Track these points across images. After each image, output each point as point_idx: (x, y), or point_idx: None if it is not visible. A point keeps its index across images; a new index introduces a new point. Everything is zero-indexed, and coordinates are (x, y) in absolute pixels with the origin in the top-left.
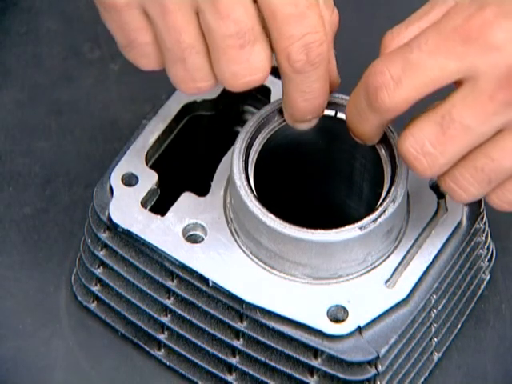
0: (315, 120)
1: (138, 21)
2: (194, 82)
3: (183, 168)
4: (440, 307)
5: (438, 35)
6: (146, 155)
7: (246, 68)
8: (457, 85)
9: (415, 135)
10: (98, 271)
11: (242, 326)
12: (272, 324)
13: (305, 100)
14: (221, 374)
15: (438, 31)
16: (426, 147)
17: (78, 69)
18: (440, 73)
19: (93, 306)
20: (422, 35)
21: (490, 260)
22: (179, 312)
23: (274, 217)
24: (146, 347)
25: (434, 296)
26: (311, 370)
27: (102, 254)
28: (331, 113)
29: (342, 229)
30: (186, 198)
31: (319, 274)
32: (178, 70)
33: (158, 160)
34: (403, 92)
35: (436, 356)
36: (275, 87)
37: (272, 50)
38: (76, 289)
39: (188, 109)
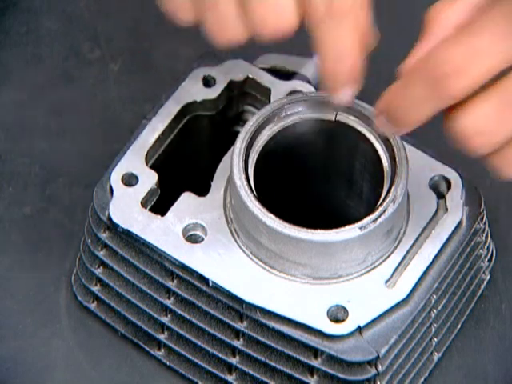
0: (350, 90)
1: None
2: (226, 32)
3: (183, 168)
4: (440, 307)
5: (504, 18)
6: (146, 155)
7: (274, 11)
8: None
9: (473, 114)
10: (98, 271)
11: (242, 325)
12: (272, 324)
13: (331, 60)
14: (221, 374)
15: (504, 15)
16: (482, 126)
17: (78, 69)
18: (508, 57)
19: (93, 306)
20: (487, 19)
21: (489, 260)
22: (179, 312)
23: (273, 217)
24: (146, 347)
25: (434, 296)
26: (311, 370)
27: (101, 254)
28: (331, 117)
29: (342, 229)
30: (186, 198)
31: (319, 273)
32: (211, 19)
33: (158, 160)
34: (471, 78)
35: (436, 356)
36: (275, 87)
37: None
38: (76, 289)
39: (188, 109)
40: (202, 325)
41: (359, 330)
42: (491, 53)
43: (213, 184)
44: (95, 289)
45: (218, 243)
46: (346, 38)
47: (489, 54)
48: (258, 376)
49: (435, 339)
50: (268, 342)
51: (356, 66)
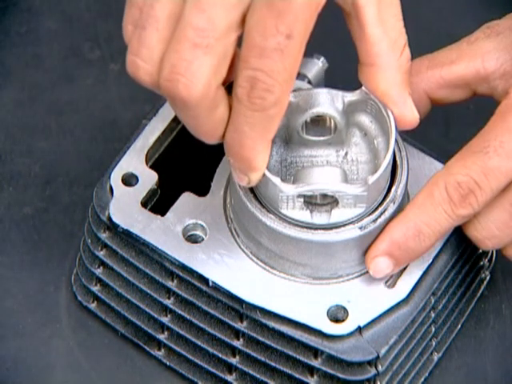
0: (244, 180)
1: None
2: (137, 57)
3: (183, 168)
4: (440, 307)
5: (510, 137)
6: (146, 155)
7: (185, 68)
8: None
9: (482, 222)
10: (98, 271)
11: (242, 326)
12: (272, 324)
13: (232, 144)
14: (221, 374)
15: (510, 132)
16: (492, 231)
17: (78, 69)
18: None
19: (93, 306)
20: (493, 138)
21: (490, 260)
22: (179, 312)
23: (273, 217)
24: (146, 347)
25: (434, 296)
26: (311, 370)
27: (102, 254)
28: None
29: (342, 229)
30: (186, 198)
31: (319, 273)
32: (134, 36)
33: (158, 160)
34: (488, 195)
35: (436, 356)
36: None
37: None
38: (76, 289)
39: None
40: (202, 325)
41: (359, 330)
42: (505, 169)
43: (213, 184)
44: (95, 289)
45: (218, 243)
46: (255, 127)
47: (503, 171)
48: (258, 376)
49: (435, 339)
50: (268, 342)
51: (253, 157)
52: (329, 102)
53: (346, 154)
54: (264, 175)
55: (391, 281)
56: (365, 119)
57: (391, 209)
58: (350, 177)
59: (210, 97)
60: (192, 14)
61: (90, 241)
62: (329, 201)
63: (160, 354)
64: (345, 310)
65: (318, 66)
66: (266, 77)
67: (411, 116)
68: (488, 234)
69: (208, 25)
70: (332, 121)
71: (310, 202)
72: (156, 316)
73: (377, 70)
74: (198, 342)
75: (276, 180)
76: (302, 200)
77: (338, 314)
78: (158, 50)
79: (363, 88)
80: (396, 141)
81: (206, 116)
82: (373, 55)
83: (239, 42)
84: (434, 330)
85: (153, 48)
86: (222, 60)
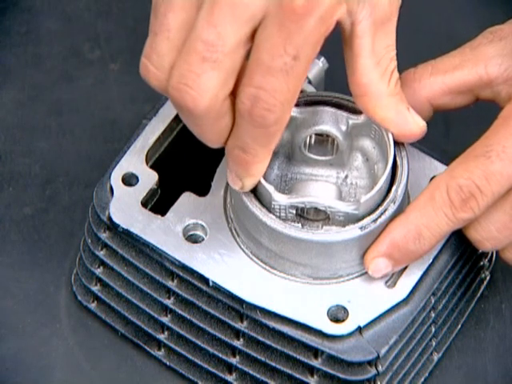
0: (238, 185)
1: None
2: (149, 62)
3: (183, 168)
4: (440, 307)
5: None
6: (146, 155)
7: (192, 80)
8: None
9: (482, 223)
10: (98, 271)
11: (242, 326)
12: (272, 324)
13: (233, 149)
14: (221, 374)
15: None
16: (491, 233)
17: (78, 69)
18: None
19: (93, 306)
20: (496, 143)
21: (490, 260)
22: (179, 312)
23: (274, 217)
24: (146, 347)
25: (434, 296)
26: (311, 370)
27: (102, 253)
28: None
29: (342, 229)
30: (186, 198)
31: (319, 274)
32: (148, 40)
33: (158, 160)
34: (489, 199)
35: (436, 356)
36: None
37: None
38: (76, 289)
39: None
40: (202, 325)
41: (359, 330)
42: (507, 174)
43: (213, 184)
44: (95, 289)
45: (219, 243)
46: (256, 142)
47: (506, 175)
48: (258, 376)
49: (435, 339)
50: (268, 342)
51: (253, 163)
52: (332, 121)
53: (346, 176)
54: (259, 183)
55: (391, 281)
56: (368, 144)
57: (391, 209)
58: (347, 199)
59: (216, 109)
60: (203, 27)
61: (90, 241)
62: (321, 217)
63: (160, 354)
64: (345, 309)
65: (318, 66)
66: (269, 96)
67: (416, 128)
68: (487, 236)
69: (218, 40)
70: (334, 141)
71: (303, 215)
72: (156, 316)
73: (369, 99)
74: (198, 342)
75: (270, 188)
76: (294, 212)
77: (338, 314)
78: (168, 57)
79: None
80: (396, 143)
81: (210, 126)
82: (362, 86)
83: (248, 54)
84: (433, 330)
85: (163, 55)
86: (230, 74)
